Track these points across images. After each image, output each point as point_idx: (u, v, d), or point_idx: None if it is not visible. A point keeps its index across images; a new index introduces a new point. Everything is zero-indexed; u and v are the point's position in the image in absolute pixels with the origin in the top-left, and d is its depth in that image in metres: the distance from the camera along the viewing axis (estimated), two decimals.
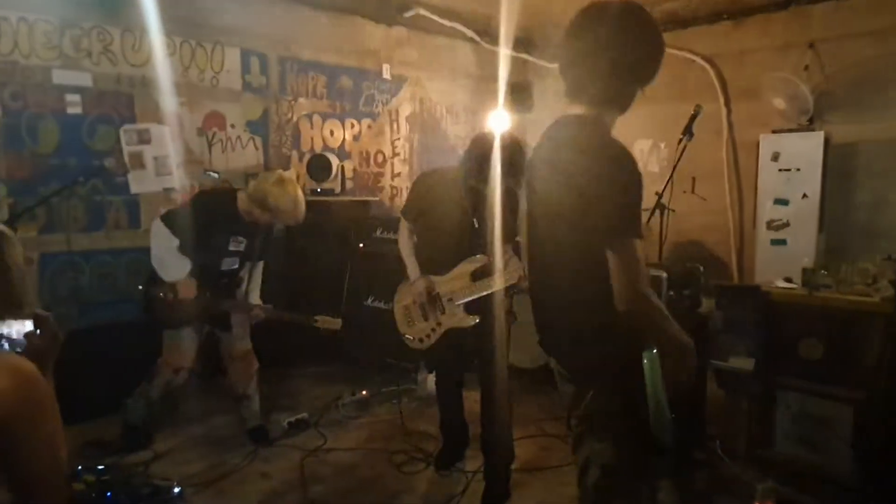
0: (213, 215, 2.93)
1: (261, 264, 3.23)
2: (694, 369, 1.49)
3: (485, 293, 2.59)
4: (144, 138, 3.92)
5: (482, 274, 2.61)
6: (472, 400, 2.89)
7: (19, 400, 1.17)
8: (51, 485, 1.24)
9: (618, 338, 1.45)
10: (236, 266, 3.07)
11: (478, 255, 2.60)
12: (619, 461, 1.53)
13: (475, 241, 2.60)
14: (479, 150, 2.49)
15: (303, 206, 2.95)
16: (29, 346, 1.28)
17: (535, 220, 1.63)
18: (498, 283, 2.56)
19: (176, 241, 2.86)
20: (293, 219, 2.97)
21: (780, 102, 4.35)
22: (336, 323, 3.04)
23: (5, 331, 1.27)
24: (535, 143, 1.65)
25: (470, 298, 2.62)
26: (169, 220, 2.89)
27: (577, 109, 1.52)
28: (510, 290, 2.68)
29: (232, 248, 2.99)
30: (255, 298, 3.17)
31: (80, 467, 2.64)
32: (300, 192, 2.95)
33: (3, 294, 1.30)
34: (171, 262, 2.87)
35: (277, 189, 2.85)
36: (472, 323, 2.62)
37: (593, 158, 1.42)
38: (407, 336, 2.81)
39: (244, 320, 3.16)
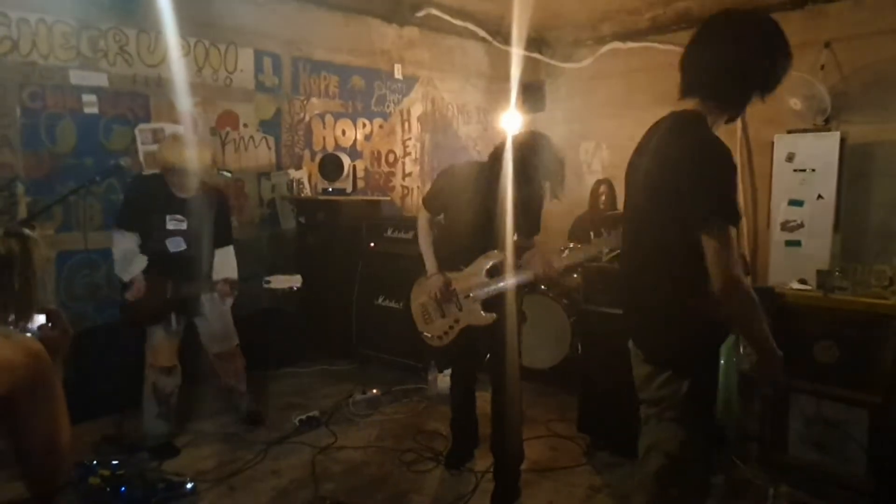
0: (143, 196, 2.99)
1: (229, 250, 3.16)
2: (777, 377, 1.52)
3: (500, 289, 2.57)
4: (159, 137, 3.96)
5: (498, 270, 2.59)
6: (482, 400, 2.89)
7: (28, 375, 1.26)
8: (46, 462, 1.31)
9: (701, 324, 1.49)
10: (184, 247, 3.00)
11: (493, 251, 2.59)
12: (684, 449, 1.54)
13: (493, 236, 2.58)
14: (509, 154, 2.46)
15: (182, 149, 2.90)
16: (42, 338, 1.35)
17: (636, 207, 1.67)
18: (515, 282, 2.55)
19: (133, 241, 2.95)
20: (177, 161, 2.89)
21: (796, 102, 4.30)
22: (294, 280, 3.01)
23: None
24: (642, 137, 1.72)
25: (487, 295, 2.61)
26: (118, 220, 3.01)
27: (688, 105, 1.57)
28: (521, 290, 2.67)
29: (171, 226, 2.95)
30: (233, 274, 3.08)
31: (94, 462, 2.68)
32: (185, 145, 2.94)
33: (27, 296, 1.36)
34: (127, 262, 2.94)
35: (165, 144, 2.94)
36: (490, 321, 2.60)
37: (694, 150, 1.48)
38: (425, 334, 2.78)
39: (226, 316, 3.17)
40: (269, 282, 3.02)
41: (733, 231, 1.43)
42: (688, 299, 1.46)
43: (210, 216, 3.05)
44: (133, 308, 2.93)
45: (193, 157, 2.89)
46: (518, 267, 2.56)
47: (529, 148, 2.44)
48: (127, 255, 2.96)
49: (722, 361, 1.47)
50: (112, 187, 3.82)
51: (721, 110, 1.56)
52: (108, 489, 2.52)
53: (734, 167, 1.47)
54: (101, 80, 3.77)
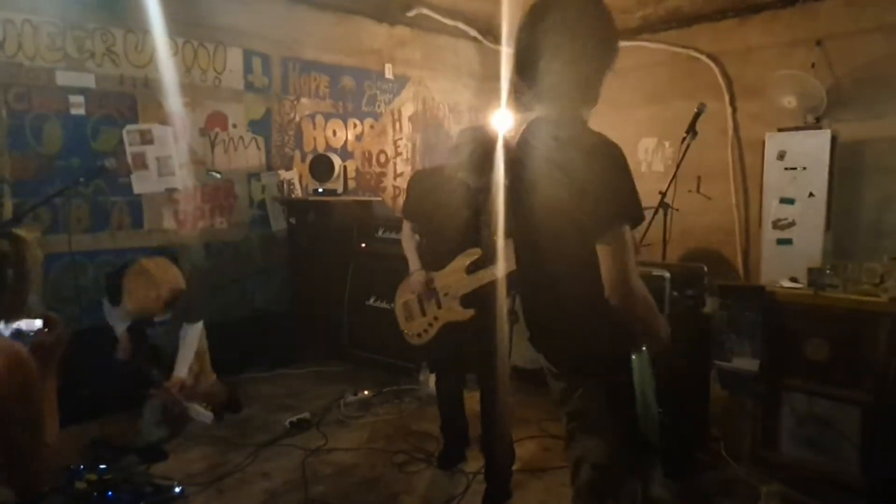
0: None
1: (196, 328, 3.26)
2: (667, 349, 1.49)
3: (478, 285, 2.58)
4: (147, 139, 3.93)
5: (477, 267, 2.60)
6: (473, 400, 2.88)
7: (9, 379, 1.25)
8: (30, 467, 1.30)
9: (608, 334, 1.45)
10: (162, 335, 3.27)
11: (471, 249, 2.60)
12: (611, 459, 1.52)
13: (474, 235, 2.60)
14: (465, 145, 2.51)
15: (157, 288, 3.00)
16: (37, 342, 1.36)
17: (524, 217, 1.61)
18: (488, 275, 2.55)
19: (116, 309, 3.22)
20: (146, 310, 3.08)
21: (790, 101, 4.29)
22: (207, 417, 3.17)
23: (15, 325, 1.37)
24: (518, 141, 1.63)
25: (464, 291, 2.62)
26: (107, 296, 3.29)
27: (550, 110, 1.50)
28: (512, 290, 2.66)
29: (157, 318, 3.18)
30: (181, 370, 3.20)
31: (82, 466, 2.64)
32: (155, 277, 3.02)
33: (20, 297, 1.35)
34: (115, 323, 3.29)
35: (130, 280, 3.01)
36: (469, 316, 2.62)
37: (578, 152, 1.40)
38: (406, 332, 2.83)
39: (187, 350, 3.26)
40: (191, 408, 3.18)
41: (629, 235, 1.36)
42: (594, 308, 1.39)
43: (183, 304, 3.18)
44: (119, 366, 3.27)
45: (157, 291, 3.00)
46: (496, 262, 2.56)
47: (479, 143, 2.46)
48: (115, 320, 3.30)
49: (634, 368, 1.43)
50: (99, 188, 3.79)
51: (584, 103, 1.49)
52: (96, 493, 2.49)
53: (623, 163, 1.38)
54: (87, 80, 3.73)
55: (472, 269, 2.61)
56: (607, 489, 1.54)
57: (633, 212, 1.39)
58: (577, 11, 1.43)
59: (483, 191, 2.52)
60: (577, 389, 1.54)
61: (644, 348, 1.45)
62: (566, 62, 1.42)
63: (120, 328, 3.28)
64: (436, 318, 2.72)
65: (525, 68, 1.49)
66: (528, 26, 1.47)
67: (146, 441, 3.07)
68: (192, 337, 3.25)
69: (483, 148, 2.43)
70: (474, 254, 2.60)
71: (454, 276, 2.65)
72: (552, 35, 1.42)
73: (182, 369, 3.19)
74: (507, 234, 2.66)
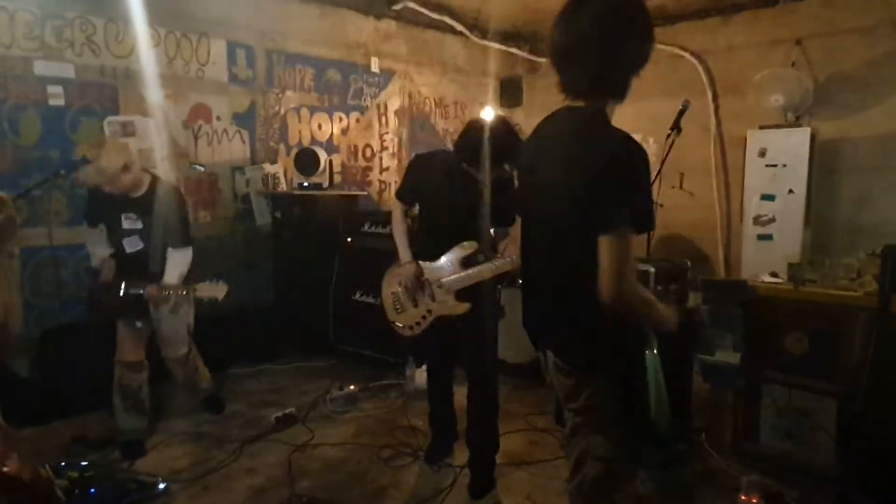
0: (100, 193, 2.91)
1: (184, 252, 3.01)
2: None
3: (474, 278, 2.55)
4: (129, 131, 3.86)
5: (473, 260, 2.58)
6: (460, 394, 2.89)
7: None
8: None
9: (621, 331, 1.46)
10: (140, 246, 2.96)
11: (467, 242, 2.57)
12: (618, 454, 1.54)
13: (470, 226, 2.56)
14: (473, 134, 2.46)
15: (110, 159, 2.80)
16: None
17: (534, 210, 1.61)
18: (489, 271, 2.53)
19: (100, 234, 3.02)
20: (108, 170, 2.81)
21: (777, 99, 4.35)
22: (220, 289, 2.90)
23: None
24: (533, 134, 1.63)
25: (461, 284, 2.58)
26: (85, 217, 3.08)
27: (577, 103, 1.50)
28: (498, 285, 2.67)
29: (126, 225, 2.93)
30: (171, 278, 2.95)
31: (63, 463, 2.61)
32: (114, 149, 2.87)
33: None
34: (96, 248, 3.05)
35: (95, 152, 2.91)
36: (464, 310, 2.58)
37: (598, 149, 1.40)
38: (396, 324, 2.75)
39: (179, 325, 3.11)
40: (195, 289, 2.91)
41: (634, 240, 1.37)
42: (604, 307, 1.39)
43: (163, 214, 2.96)
44: (96, 301, 2.96)
45: (108, 162, 2.80)
46: (496, 256, 2.55)
47: (491, 131, 2.42)
48: (96, 245, 3.04)
49: (648, 365, 1.46)
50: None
51: (610, 99, 1.50)
52: (77, 491, 2.45)
53: (643, 165, 1.39)
54: (66, 70, 3.65)
55: (466, 262, 2.59)
56: (613, 484, 1.56)
57: (641, 217, 1.39)
58: (616, 6, 1.43)
59: (485, 183, 2.50)
60: (588, 386, 1.53)
61: (655, 350, 1.46)
62: (599, 57, 1.42)
63: (100, 252, 3.03)
64: (429, 311, 2.66)
65: (559, 61, 1.49)
66: (565, 18, 1.47)
67: (124, 430, 2.99)
68: (180, 260, 2.98)
69: (496, 140, 2.39)
70: (470, 247, 2.57)
71: (449, 269, 2.60)
72: (588, 29, 1.42)
73: (172, 278, 2.93)
74: (511, 223, 2.67)
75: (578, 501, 1.61)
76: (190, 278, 2.99)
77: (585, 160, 1.42)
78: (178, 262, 2.97)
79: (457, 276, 2.59)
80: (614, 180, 1.36)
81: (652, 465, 2.73)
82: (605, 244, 1.36)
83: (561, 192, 1.48)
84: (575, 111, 1.50)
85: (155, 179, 3.01)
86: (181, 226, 3.01)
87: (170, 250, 2.99)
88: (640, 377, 1.45)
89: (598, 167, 1.38)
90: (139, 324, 2.99)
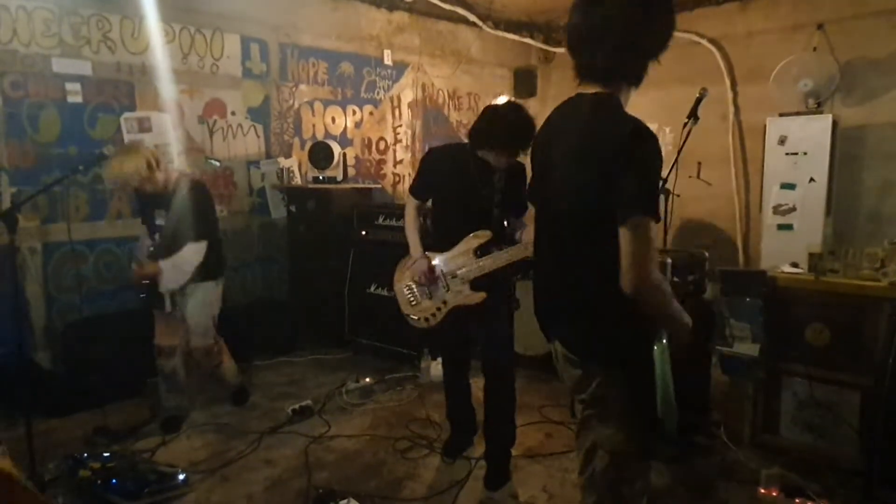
0: (140, 192, 3.08)
1: (197, 246, 2.99)
2: (686, 341, 1.49)
3: (490, 267, 2.53)
4: (145, 126, 3.90)
5: (487, 250, 2.56)
6: (477, 387, 2.89)
7: None
8: None
9: (630, 322, 1.44)
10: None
11: (480, 231, 2.55)
12: (628, 446, 1.52)
13: (485, 218, 2.54)
14: (492, 118, 2.44)
15: (131, 163, 2.87)
16: None
17: (547, 198, 1.59)
18: (504, 259, 2.51)
19: (144, 230, 3.18)
20: (138, 173, 2.89)
21: (806, 84, 4.25)
22: (153, 267, 2.98)
23: None
24: (546, 122, 1.62)
25: (475, 275, 2.57)
26: (138, 212, 3.28)
27: (591, 88, 1.48)
28: (514, 276, 2.64)
29: (158, 221, 3.06)
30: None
31: (85, 454, 2.66)
32: (128, 153, 2.93)
33: None
34: (143, 241, 3.20)
35: (118, 158, 2.92)
36: (480, 299, 2.56)
37: (613, 136, 1.38)
38: (411, 316, 2.74)
39: (203, 316, 3.17)
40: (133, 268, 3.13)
41: (653, 226, 1.35)
42: (617, 295, 1.37)
43: (185, 209, 3.01)
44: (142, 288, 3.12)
45: (132, 168, 2.88)
46: (513, 244, 2.53)
47: (508, 117, 2.40)
48: (143, 239, 3.20)
49: (657, 358, 1.44)
50: (98, 177, 3.77)
51: (626, 86, 1.48)
52: (99, 481, 2.50)
53: (657, 154, 1.37)
54: (84, 68, 3.69)
55: (481, 251, 2.57)
56: (623, 475, 1.54)
57: (655, 206, 1.37)
58: (626, 1, 1.40)
59: (502, 171, 2.48)
60: (596, 377, 1.52)
61: (664, 340, 1.44)
62: (620, 39, 1.40)
63: (147, 245, 3.13)
64: (444, 303, 2.64)
65: (576, 44, 1.47)
66: (584, 3, 1.45)
67: (165, 408, 3.20)
68: (189, 252, 2.98)
69: (513, 127, 2.37)
70: (484, 236, 2.55)
71: (462, 259, 2.59)
72: (611, 10, 1.39)
73: (167, 263, 2.97)
74: (525, 211, 2.65)
75: (590, 494, 1.60)
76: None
77: (597, 147, 1.40)
78: (185, 253, 3.00)
79: (472, 265, 2.58)
80: (626, 168, 1.34)
81: (668, 457, 2.71)
82: (625, 235, 1.34)
83: (572, 180, 1.46)
84: (588, 97, 1.48)
85: (181, 176, 3.10)
86: (196, 220, 3.04)
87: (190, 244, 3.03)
88: (648, 369, 1.43)
89: (609, 155, 1.36)
90: (171, 307, 3.12)
